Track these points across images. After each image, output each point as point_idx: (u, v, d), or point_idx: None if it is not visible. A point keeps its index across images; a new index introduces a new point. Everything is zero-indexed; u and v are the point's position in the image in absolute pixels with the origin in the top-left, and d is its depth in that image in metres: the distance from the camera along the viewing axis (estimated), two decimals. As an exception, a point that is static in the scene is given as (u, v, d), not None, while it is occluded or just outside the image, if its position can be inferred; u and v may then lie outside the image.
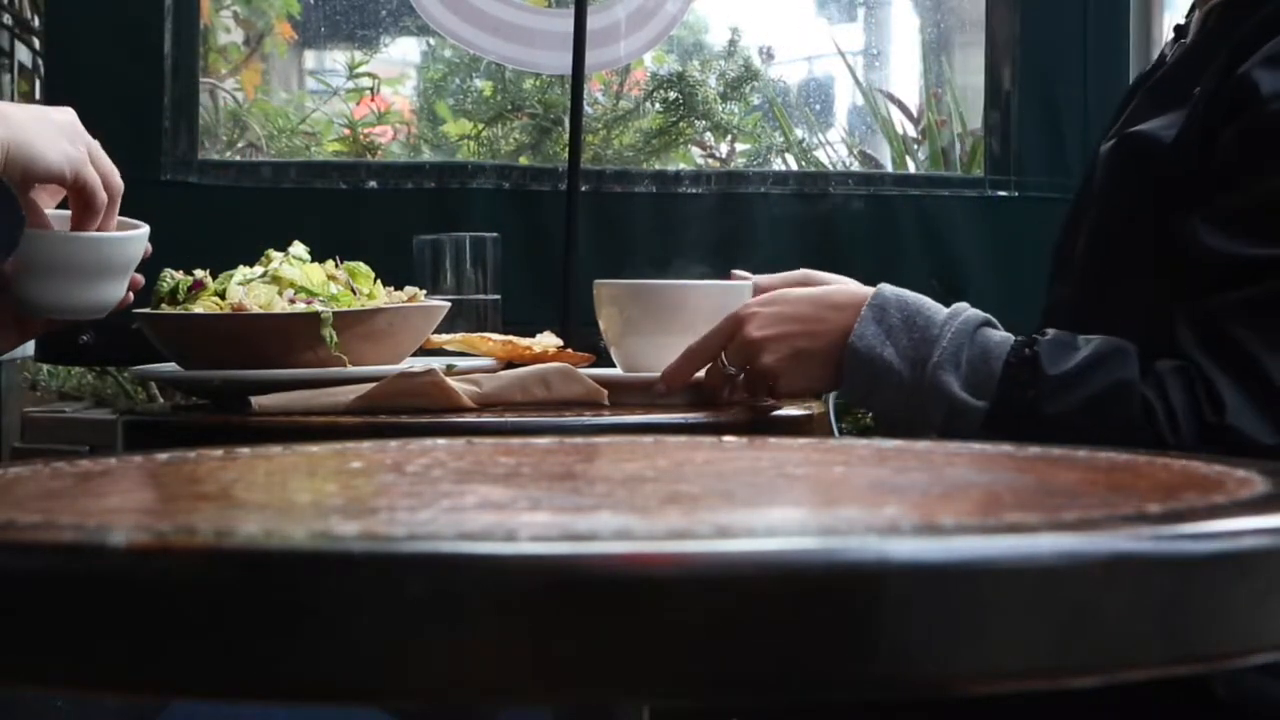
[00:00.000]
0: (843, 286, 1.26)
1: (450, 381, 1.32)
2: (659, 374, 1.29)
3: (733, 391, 1.27)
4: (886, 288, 1.21)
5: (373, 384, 1.32)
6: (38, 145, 1.16)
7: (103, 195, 1.20)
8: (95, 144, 1.22)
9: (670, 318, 1.37)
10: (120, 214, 1.27)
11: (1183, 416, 1.03)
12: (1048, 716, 1.00)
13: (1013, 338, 1.13)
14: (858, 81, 3.08)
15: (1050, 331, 1.12)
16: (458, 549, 0.43)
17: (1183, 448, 1.01)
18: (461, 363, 1.47)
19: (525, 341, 1.47)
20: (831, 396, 1.77)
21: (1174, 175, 1.13)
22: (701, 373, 1.28)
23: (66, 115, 1.21)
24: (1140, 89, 1.30)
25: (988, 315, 1.17)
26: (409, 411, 1.30)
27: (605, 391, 1.33)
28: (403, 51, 3.53)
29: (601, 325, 1.43)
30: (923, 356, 1.12)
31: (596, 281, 1.45)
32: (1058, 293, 1.29)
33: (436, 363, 1.40)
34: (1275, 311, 1.05)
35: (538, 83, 2.94)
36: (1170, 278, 1.12)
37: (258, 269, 1.46)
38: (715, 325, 1.26)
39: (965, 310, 1.16)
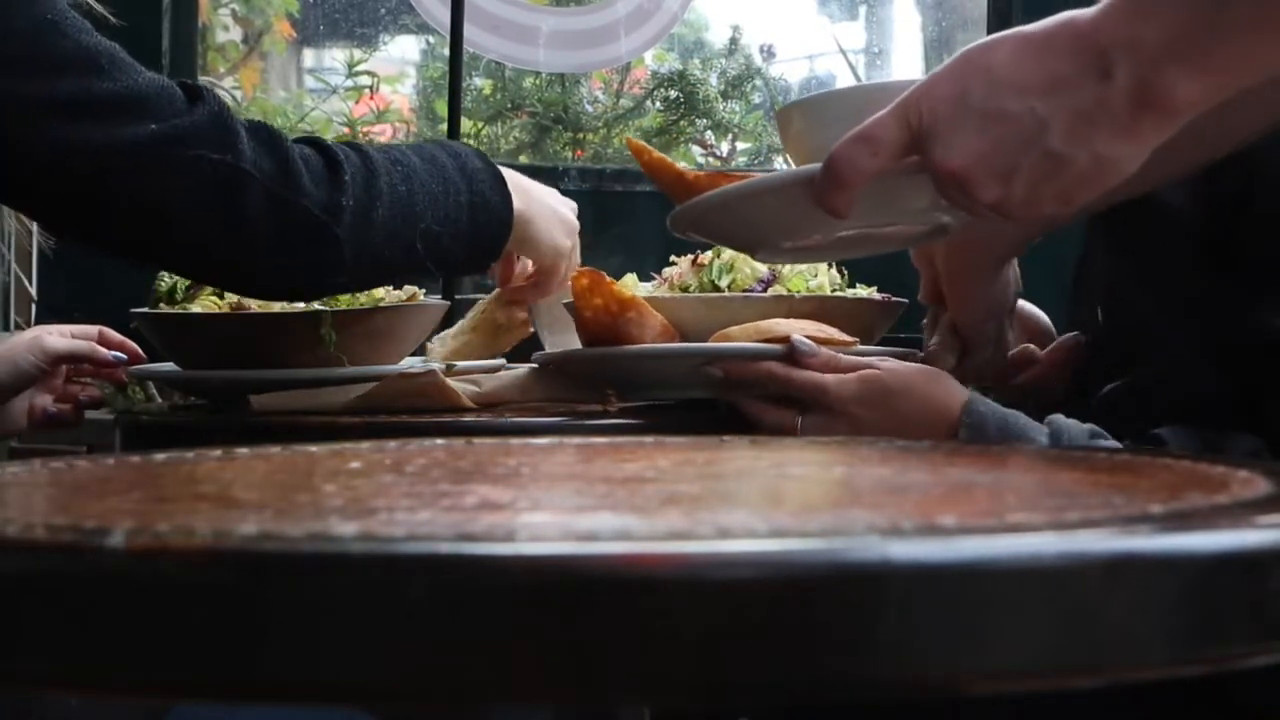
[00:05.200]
0: (931, 404, 1.19)
1: (450, 382, 1.31)
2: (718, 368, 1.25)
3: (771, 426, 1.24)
4: (977, 402, 1.17)
5: (372, 383, 1.32)
6: (541, 227, 1.36)
7: (555, 287, 1.42)
8: (576, 245, 1.42)
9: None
10: None
11: None
12: (1053, 718, 1.00)
13: (1119, 445, 1.10)
14: (859, 80, 3.08)
15: (1165, 434, 1.10)
16: (457, 549, 0.42)
17: None
18: (462, 362, 1.46)
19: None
20: None
21: (1187, 244, 1.13)
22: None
23: (570, 211, 1.41)
24: None
25: (1091, 425, 1.13)
26: (408, 411, 1.30)
27: (608, 394, 1.32)
28: (402, 49, 3.54)
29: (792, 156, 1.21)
30: None
31: (782, 106, 1.32)
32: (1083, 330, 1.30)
33: (435, 364, 1.40)
34: None
35: (537, 81, 2.94)
36: (1220, 359, 1.11)
37: (257, 268, 1.45)
38: (808, 381, 1.21)
39: (1067, 425, 1.12)
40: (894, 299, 1.41)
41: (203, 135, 1.12)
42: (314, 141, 1.22)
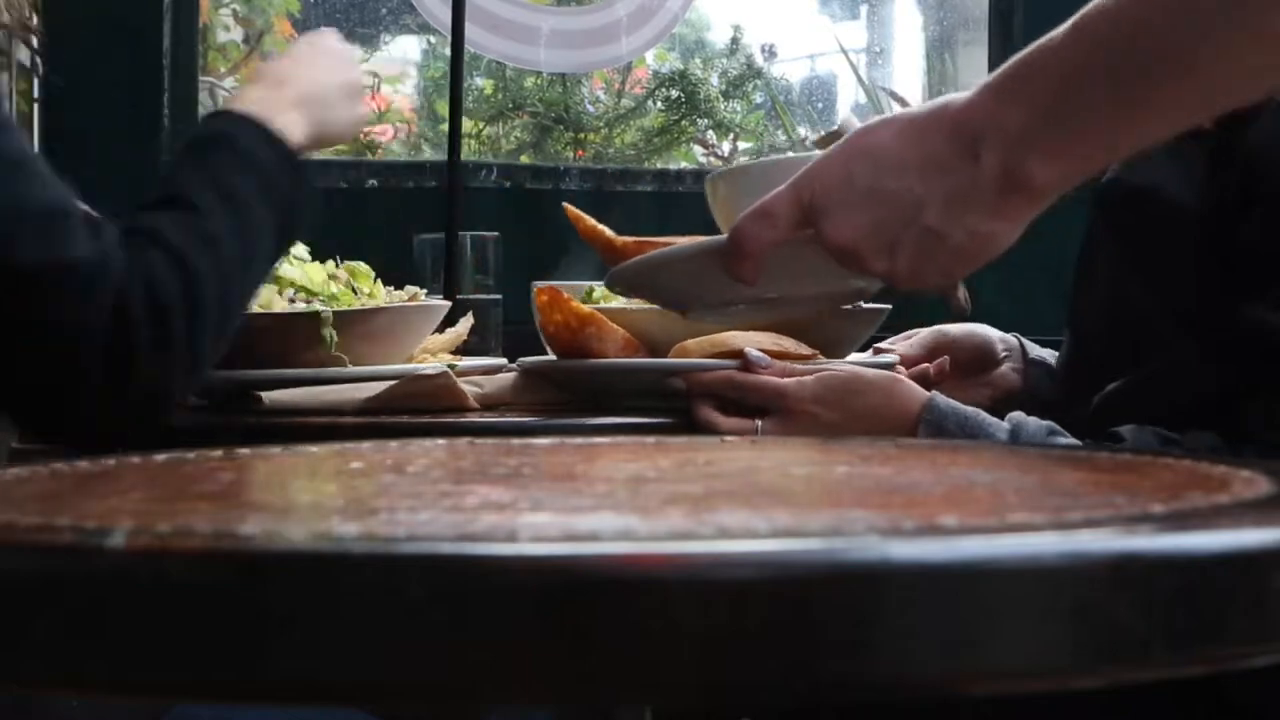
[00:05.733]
0: (891, 401, 1.22)
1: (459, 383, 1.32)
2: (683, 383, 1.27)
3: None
4: (939, 400, 1.19)
5: (380, 382, 1.32)
6: (333, 129, 1.29)
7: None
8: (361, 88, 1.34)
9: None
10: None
11: None
12: (1052, 718, 1.00)
13: (1079, 445, 1.11)
14: (860, 79, 3.08)
15: (1127, 433, 1.11)
16: (458, 550, 0.42)
17: None
18: (463, 363, 1.47)
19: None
20: None
21: (1189, 244, 1.13)
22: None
23: (344, 66, 1.32)
24: None
25: (1050, 423, 1.15)
26: (412, 411, 1.30)
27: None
28: (403, 49, 3.53)
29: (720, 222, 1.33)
30: None
31: (709, 175, 1.37)
32: (1079, 337, 1.30)
33: (443, 365, 1.40)
34: None
35: (539, 81, 2.94)
36: (1220, 357, 1.11)
37: (257, 268, 1.45)
38: (766, 385, 1.23)
39: (1027, 422, 1.14)
40: (871, 306, 1.40)
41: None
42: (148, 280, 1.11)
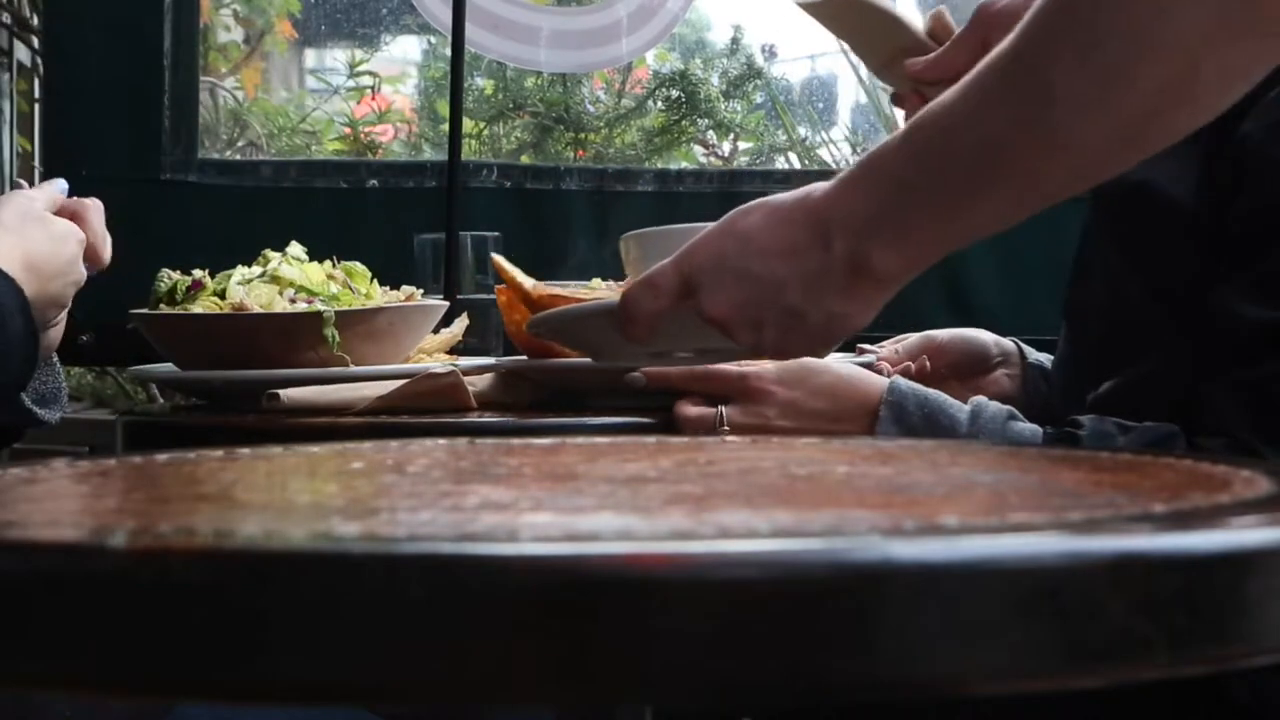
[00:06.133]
0: (853, 381, 1.25)
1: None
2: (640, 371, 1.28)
3: (700, 428, 1.26)
4: (900, 382, 1.20)
5: (390, 381, 1.32)
6: (45, 307, 1.15)
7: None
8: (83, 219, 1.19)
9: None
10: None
11: None
12: (1052, 718, 1.00)
13: (1040, 430, 1.12)
14: (861, 79, 3.08)
15: (1086, 421, 1.11)
16: (459, 550, 0.42)
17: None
18: (461, 363, 1.47)
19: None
20: None
21: (1184, 239, 1.13)
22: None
23: (59, 249, 1.17)
24: None
25: (1010, 408, 1.16)
26: (418, 411, 1.30)
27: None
28: (403, 50, 3.54)
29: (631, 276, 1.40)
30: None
31: (623, 235, 1.42)
32: (1076, 332, 1.30)
33: (450, 365, 1.40)
34: None
35: (539, 81, 2.94)
36: (1194, 346, 1.11)
37: (256, 269, 1.46)
38: (727, 373, 1.24)
39: (987, 405, 1.15)
40: None
41: None
42: None
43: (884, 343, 1.55)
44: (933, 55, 1.17)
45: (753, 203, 0.94)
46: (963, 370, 1.48)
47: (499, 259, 1.37)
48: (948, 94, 0.85)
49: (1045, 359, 1.49)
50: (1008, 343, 1.51)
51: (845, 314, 0.93)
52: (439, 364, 1.44)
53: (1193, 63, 0.77)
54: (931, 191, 0.86)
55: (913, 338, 1.53)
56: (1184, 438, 1.07)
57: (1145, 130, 0.82)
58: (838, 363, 1.26)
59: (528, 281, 1.29)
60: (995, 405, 1.16)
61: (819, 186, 0.92)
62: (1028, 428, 1.13)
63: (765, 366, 1.24)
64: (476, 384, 1.37)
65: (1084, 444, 1.08)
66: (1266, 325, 1.06)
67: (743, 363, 1.24)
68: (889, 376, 1.27)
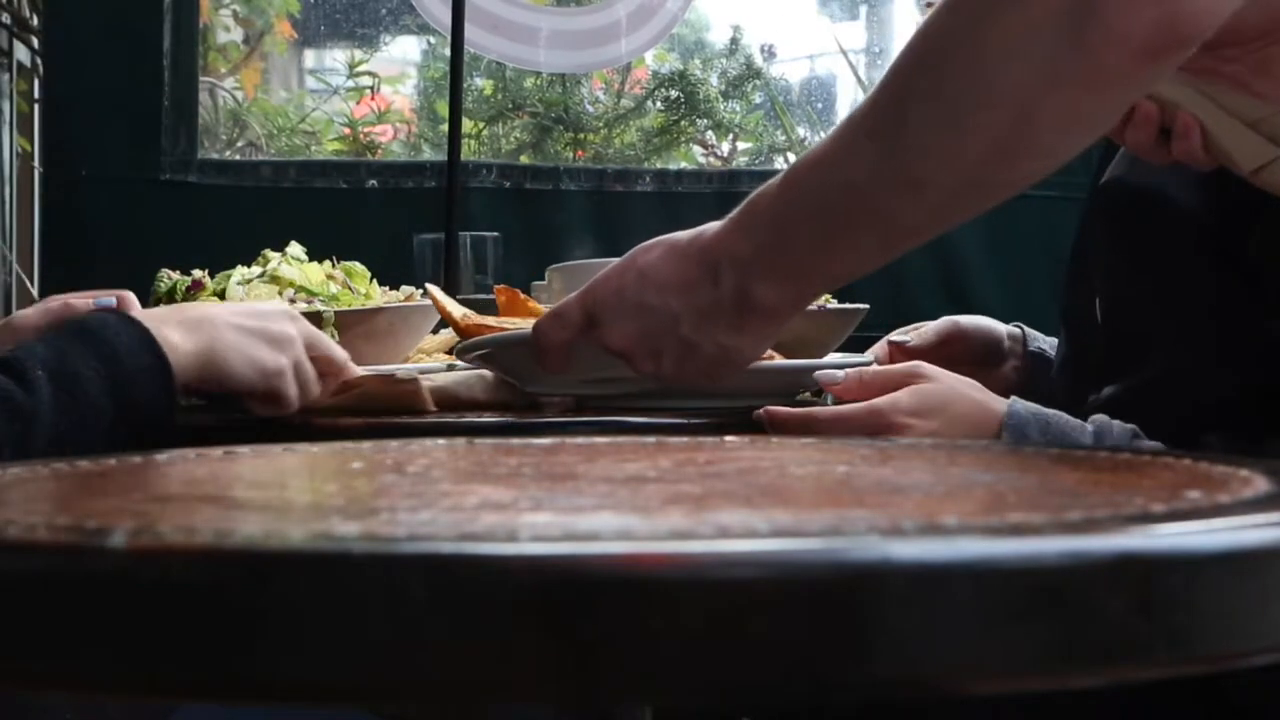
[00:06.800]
0: (984, 406, 1.19)
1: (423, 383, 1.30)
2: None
3: None
4: (1018, 405, 1.16)
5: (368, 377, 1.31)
6: (231, 358, 1.17)
7: (291, 404, 1.22)
8: (314, 337, 1.23)
9: None
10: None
11: None
12: (1052, 718, 1.00)
13: (1160, 446, 1.10)
14: (860, 79, 3.08)
15: (1213, 438, 1.10)
16: (459, 549, 0.42)
17: None
18: (461, 362, 1.46)
19: None
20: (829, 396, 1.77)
21: (1195, 253, 1.13)
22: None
23: (278, 317, 1.21)
24: None
25: (1134, 427, 1.13)
26: (370, 413, 1.28)
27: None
28: (403, 50, 3.54)
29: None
30: None
31: (550, 267, 1.44)
32: (1076, 339, 1.29)
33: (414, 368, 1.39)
34: None
35: (538, 81, 2.94)
36: (1234, 365, 1.11)
37: (256, 269, 1.46)
38: (860, 413, 1.18)
39: (1111, 425, 1.12)
40: (846, 307, 1.41)
41: None
42: None
43: (904, 329, 1.52)
44: None
45: (654, 240, 1.00)
46: (982, 357, 1.46)
47: (431, 287, 1.36)
48: (822, 140, 0.92)
49: (1047, 345, 1.47)
50: (1015, 329, 1.49)
51: (735, 346, 0.97)
52: (429, 364, 1.43)
53: (1027, 113, 0.82)
54: (805, 232, 0.92)
55: (935, 324, 1.50)
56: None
57: (994, 176, 0.87)
58: (962, 384, 1.20)
59: (457, 311, 1.31)
60: (1119, 425, 1.12)
61: (712, 226, 0.97)
62: (1152, 445, 1.10)
63: (899, 398, 1.19)
64: (474, 385, 1.36)
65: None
66: None
67: (859, 390, 1.18)
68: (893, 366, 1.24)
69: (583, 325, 1.02)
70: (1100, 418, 1.13)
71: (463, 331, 1.27)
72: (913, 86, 0.86)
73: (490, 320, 1.28)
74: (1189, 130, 0.98)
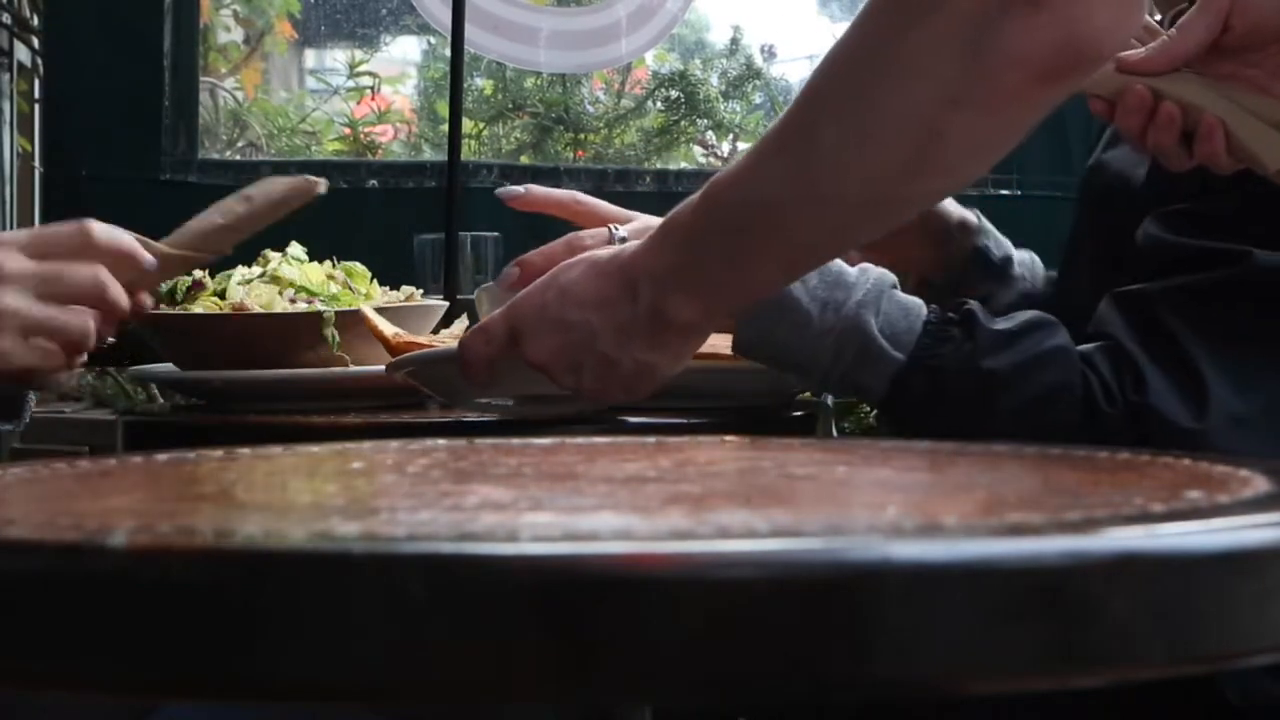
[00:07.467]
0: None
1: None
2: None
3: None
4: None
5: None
6: None
7: (56, 360, 1.14)
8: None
9: None
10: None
11: (1115, 390, 1.04)
12: (1052, 718, 1.00)
13: (920, 300, 1.10)
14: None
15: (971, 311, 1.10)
16: (459, 549, 0.42)
17: (1112, 420, 1.02)
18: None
19: None
20: (829, 396, 1.77)
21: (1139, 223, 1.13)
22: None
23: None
24: None
25: (895, 277, 1.13)
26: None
27: (315, 181, 1.25)
28: (403, 50, 3.54)
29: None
30: (837, 299, 1.06)
31: (479, 287, 1.42)
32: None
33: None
34: (1207, 301, 1.06)
35: (538, 81, 2.94)
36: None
37: (255, 269, 1.46)
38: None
39: (873, 267, 1.12)
40: None
41: None
42: None
43: None
44: (1153, 46, 1.10)
45: (576, 257, 1.02)
46: (918, 236, 1.36)
47: (365, 308, 1.35)
48: (741, 156, 0.93)
49: (999, 246, 1.36)
50: (970, 217, 1.35)
51: (653, 361, 0.99)
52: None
53: (934, 131, 0.83)
54: (720, 246, 0.93)
55: None
56: (1064, 330, 1.06)
57: (904, 192, 0.89)
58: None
59: (389, 329, 1.31)
60: (881, 269, 1.12)
61: (633, 244, 0.99)
62: (908, 295, 1.09)
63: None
64: (191, 228, 1.25)
65: (976, 308, 1.06)
66: (1168, 249, 1.07)
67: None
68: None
69: (506, 341, 1.03)
70: (865, 264, 1.11)
71: (393, 349, 1.28)
72: (823, 104, 0.88)
73: (421, 339, 1.30)
74: (1212, 132, 0.98)
